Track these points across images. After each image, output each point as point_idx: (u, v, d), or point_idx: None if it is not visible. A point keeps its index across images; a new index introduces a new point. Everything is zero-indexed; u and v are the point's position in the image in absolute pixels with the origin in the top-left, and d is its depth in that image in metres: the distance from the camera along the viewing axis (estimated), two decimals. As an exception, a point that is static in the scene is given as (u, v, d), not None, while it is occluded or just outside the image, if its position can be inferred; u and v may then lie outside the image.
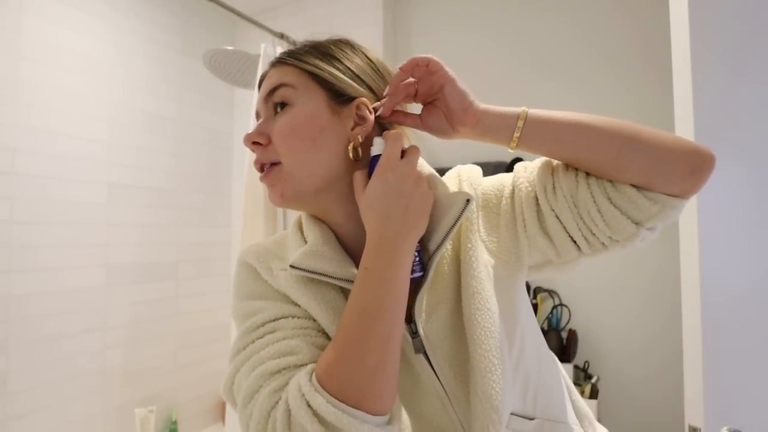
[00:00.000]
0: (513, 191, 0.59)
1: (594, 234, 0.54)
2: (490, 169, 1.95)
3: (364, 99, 0.57)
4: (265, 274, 0.58)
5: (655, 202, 0.51)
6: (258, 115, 0.61)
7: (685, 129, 0.90)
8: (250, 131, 0.57)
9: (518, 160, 1.95)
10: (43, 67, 1.76)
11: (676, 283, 0.95)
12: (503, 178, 0.61)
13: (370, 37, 2.14)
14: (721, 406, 0.85)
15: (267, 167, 0.57)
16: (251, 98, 1.72)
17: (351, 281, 0.53)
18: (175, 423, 2.16)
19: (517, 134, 0.53)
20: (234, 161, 2.60)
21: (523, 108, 0.54)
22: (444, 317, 0.56)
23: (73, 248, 1.84)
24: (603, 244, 0.54)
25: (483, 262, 0.57)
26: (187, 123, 2.34)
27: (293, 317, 0.55)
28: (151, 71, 2.17)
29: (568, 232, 0.54)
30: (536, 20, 1.99)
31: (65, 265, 1.82)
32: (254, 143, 0.57)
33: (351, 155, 0.56)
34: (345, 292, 0.57)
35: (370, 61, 0.61)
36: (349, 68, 0.58)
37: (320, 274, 0.54)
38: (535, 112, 0.54)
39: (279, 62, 0.59)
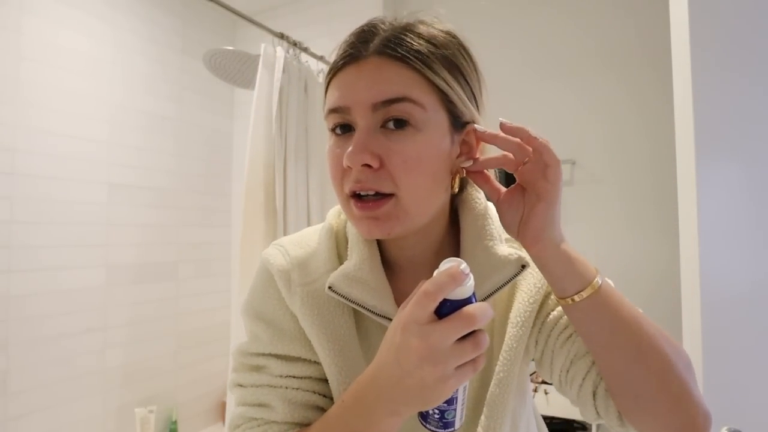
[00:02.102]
0: (549, 295, 0.56)
1: (564, 391, 0.53)
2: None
3: (476, 126, 0.49)
4: (283, 286, 0.53)
5: (623, 424, 0.50)
6: (342, 111, 0.47)
7: (685, 129, 0.90)
8: (356, 149, 0.45)
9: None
10: (43, 67, 1.76)
11: (676, 283, 0.95)
12: None
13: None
14: (721, 406, 0.84)
15: (374, 195, 0.46)
16: (251, 98, 1.72)
17: (389, 318, 0.50)
18: (175, 423, 2.16)
19: (563, 302, 0.47)
20: (234, 161, 2.60)
21: (591, 284, 0.46)
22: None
23: (73, 248, 1.84)
24: (569, 398, 0.54)
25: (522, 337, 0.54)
26: (187, 123, 2.34)
27: (283, 360, 0.53)
28: (151, 71, 2.17)
29: (552, 368, 0.54)
30: (537, 20, 1.99)
31: (65, 265, 1.81)
32: (365, 165, 0.45)
33: (455, 189, 0.50)
34: (375, 324, 0.53)
35: (479, 74, 0.53)
36: (470, 87, 0.50)
37: (359, 305, 0.50)
38: (601, 298, 0.46)
39: (395, 56, 0.46)
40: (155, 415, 2.05)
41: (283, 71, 1.73)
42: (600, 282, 0.46)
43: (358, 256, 0.51)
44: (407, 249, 0.53)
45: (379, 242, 0.54)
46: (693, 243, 0.87)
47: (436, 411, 0.41)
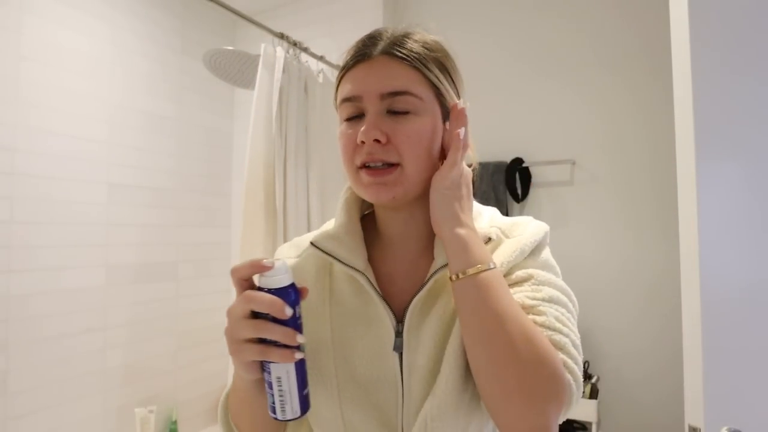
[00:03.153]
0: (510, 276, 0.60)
1: None
2: (490, 169, 1.94)
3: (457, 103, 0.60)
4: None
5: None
6: (354, 100, 0.57)
7: (685, 129, 0.90)
8: (369, 127, 0.55)
9: (518, 160, 1.95)
10: (43, 67, 1.76)
11: (676, 283, 0.95)
12: (557, 283, 0.60)
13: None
14: (721, 406, 0.85)
15: (382, 166, 0.56)
16: (251, 98, 1.72)
17: (355, 269, 0.59)
18: (175, 423, 2.16)
19: (450, 280, 0.53)
20: (234, 161, 2.60)
21: (473, 270, 0.51)
22: (434, 331, 0.57)
23: (73, 248, 1.84)
24: None
25: None
26: (187, 123, 2.34)
27: None
28: (151, 71, 2.17)
29: None
30: (537, 20, 1.99)
31: (65, 265, 1.82)
32: (375, 140, 0.55)
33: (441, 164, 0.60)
34: (346, 279, 0.62)
35: (461, 76, 0.63)
36: (455, 86, 0.61)
37: (331, 255, 0.60)
38: (475, 284, 0.51)
39: (399, 56, 0.57)
40: (155, 415, 2.05)
41: (283, 71, 1.73)
42: (475, 271, 0.51)
43: (338, 222, 0.63)
44: (399, 226, 0.63)
45: (375, 221, 0.65)
46: (693, 243, 0.87)
47: (270, 394, 0.48)
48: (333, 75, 2.11)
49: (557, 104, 1.94)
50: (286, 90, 1.74)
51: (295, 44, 1.86)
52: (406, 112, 0.56)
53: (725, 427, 0.82)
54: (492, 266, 0.52)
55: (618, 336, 1.81)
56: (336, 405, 0.56)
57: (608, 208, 1.86)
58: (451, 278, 0.53)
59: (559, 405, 0.48)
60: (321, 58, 2.01)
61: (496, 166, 1.95)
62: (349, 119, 0.58)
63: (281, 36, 1.80)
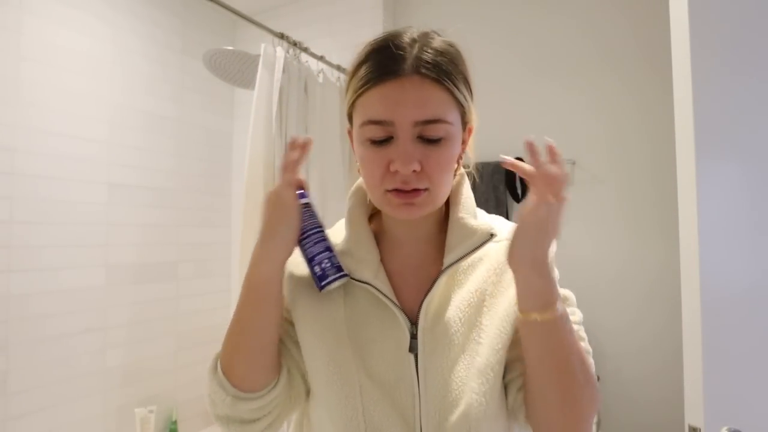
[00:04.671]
0: None
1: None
2: (490, 169, 1.95)
3: (472, 126, 0.62)
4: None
5: (526, 426, 0.60)
6: (385, 123, 0.55)
7: (685, 129, 0.90)
8: (408, 159, 0.54)
9: (518, 160, 1.95)
10: (43, 67, 1.76)
11: (676, 283, 0.95)
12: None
13: (370, 37, 2.13)
14: (721, 406, 0.85)
15: (413, 190, 0.57)
16: (251, 98, 1.72)
17: (365, 283, 0.60)
18: (175, 423, 2.16)
19: (520, 315, 0.56)
20: (234, 161, 2.60)
21: (552, 311, 0.53)
22: (450, 332, 0.59)
23: (73, 248, 1.84)
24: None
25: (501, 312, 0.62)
26: (187, 123, 2.34)
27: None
28: (151, 71, 2.17)
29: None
30: (537, 20, 1.99)
31: (65, 265, 1.82)
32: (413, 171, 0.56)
33: (455, 177, 0.63)
34: (360, 290, 0.62)
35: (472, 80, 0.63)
36: (471, 94, 0.61)
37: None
38: (550, 325, 0.54)
39: (432, 78, 0.54)
40: (155, 415, 2.05)
41: (283, 71, 1.73)
42: (551, 316, 0.53)
43: (347, 233, 0.64)
44: (410, 229, 0.65)
45: (381, 222, 0.66)
46: (693, 243, 0.87)
47: (326, 260, 0.58)
48: (333, 75, 2.11)
49: (557, 104, 1.94)
50: (286, 90, 1.74)
51: (295, 44, 1.86)
52: (438, 140, 0.55)
53: (725, 427, 0.82)
54: (560, 308, 0.54)
55: (618, 336, 1.81)
56: (358, 402, 0.56)
57: (608, 207, 1.86)
58: (524, 314, 0.55)
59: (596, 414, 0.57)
60: (321, 58, 2.01)
61: (496, 166, 1.95)
62: (375, 142, 0.56)
63: (281, 36, 1.80)
